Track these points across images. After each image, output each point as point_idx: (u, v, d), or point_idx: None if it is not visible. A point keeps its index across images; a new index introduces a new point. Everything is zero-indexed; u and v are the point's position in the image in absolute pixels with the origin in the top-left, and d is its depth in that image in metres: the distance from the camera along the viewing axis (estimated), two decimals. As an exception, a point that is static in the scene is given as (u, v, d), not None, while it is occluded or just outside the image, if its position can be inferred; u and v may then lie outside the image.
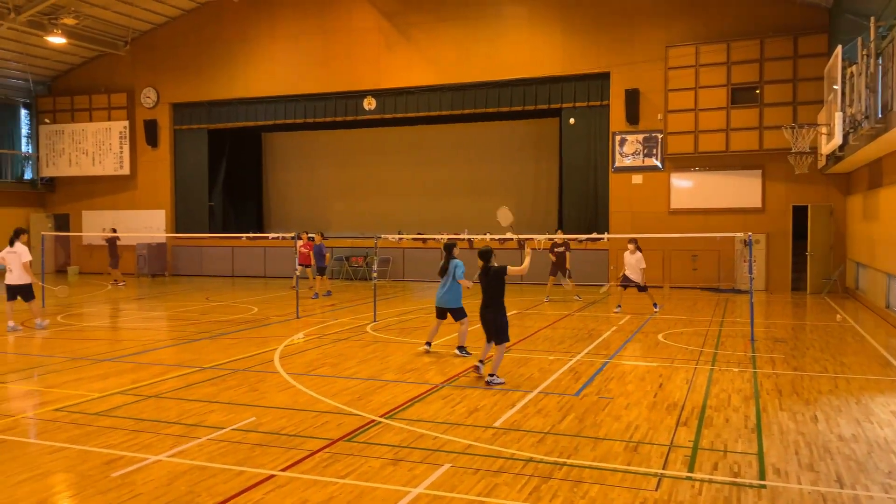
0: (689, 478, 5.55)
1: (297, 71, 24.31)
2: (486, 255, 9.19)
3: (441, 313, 10.50)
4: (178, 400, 7.97)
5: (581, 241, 20.69)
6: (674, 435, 6.63)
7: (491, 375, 8.69)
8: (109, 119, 26.68)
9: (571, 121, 21.57)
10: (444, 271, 10.35)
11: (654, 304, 15.37)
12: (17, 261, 13.15)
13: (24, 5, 21.81)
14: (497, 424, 6.92)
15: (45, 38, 23.26)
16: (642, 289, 15.23)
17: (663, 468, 5.75)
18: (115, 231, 23.27)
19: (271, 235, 23.39)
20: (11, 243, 13.26)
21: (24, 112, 28.67)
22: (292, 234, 18.69)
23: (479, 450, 6.17)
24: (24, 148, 28.65)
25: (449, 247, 10.53)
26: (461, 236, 21.98)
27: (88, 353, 11.02)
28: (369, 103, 23.72)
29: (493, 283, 8.95)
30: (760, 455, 6.09)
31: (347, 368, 9.63)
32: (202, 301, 18.24)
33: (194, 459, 5.94)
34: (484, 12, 22.28)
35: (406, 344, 11.43)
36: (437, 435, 6.59)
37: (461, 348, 10.38)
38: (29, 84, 27.53)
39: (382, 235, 16.19)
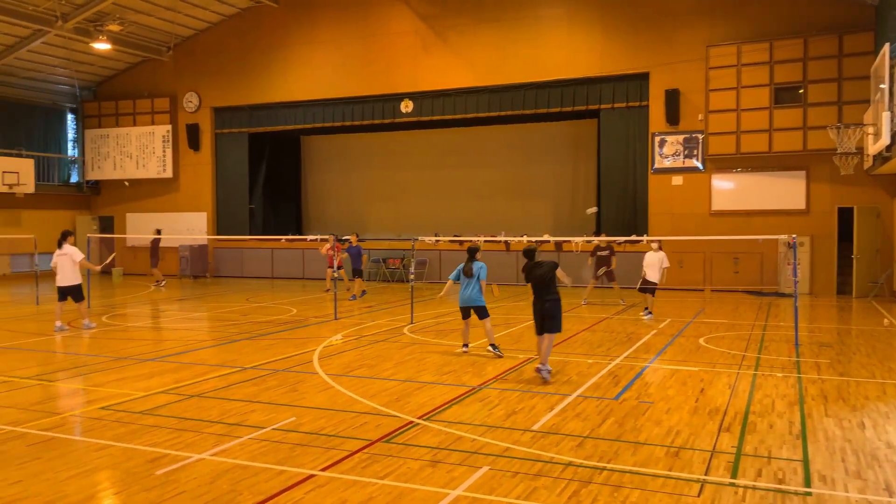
0: (732, 484, 5.46)
1: (335, 75, 24.53)
2: (529, 253, 9.43)
3: (466, 312, 10.70)
4: (220, 399, 8.09)
5: (619, 244, 20.48)
6: (716, 440, 6.52)
7: (542, 364, 8.82)
8: (153, 123, 27.23)
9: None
10: (468, 273, 10.53)
11: (649, 311, 14.72)
12: (68, 262, 13.47)
13: (71, 13, 22.39)
14: (535, 427, 6.89)
15: (90, 44, 23.85)
16: (652, 291, 14.63)
17: (706, 474, 5.66)
18: (159, 232, 23.74)
19: (309, 237, 23.55)
20: (59, 245, 13.59)
21: (70, 117, 29.42)
22: (323, 236, 18.89)
23: (518, 453, 6.15)
24: (70, 152, 29.40)
25: (472, 251, 10.71)
26: (498, 238, 21.95)
27: (133, 352, 11.26)
28: (406, 106, 23.82)
29: (547, 275, 9.05)
30: (806, 462, 5.96)
31: (385, 370, 9.68)
32: (243, 302, 18.50)
33: (236, 458, 6.03)
34: (522, 14, 22.22)
35: (443, 346, 11.44)
36: (475, 437, 6.58)
37: (494, 346, 10.48)
38: (75, 89, 28.25)
39: (419, 237, 16.25)
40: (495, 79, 22.55)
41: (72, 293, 13.51)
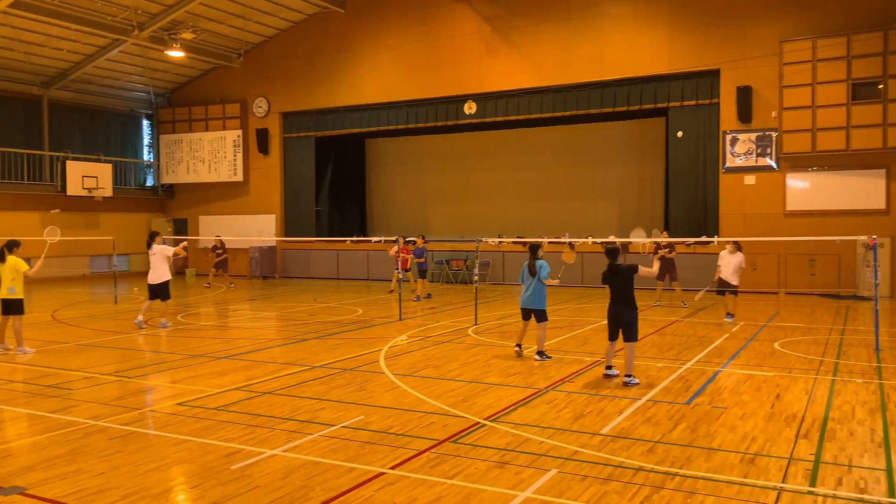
0: (810, 492, 5.27)
1: (399, 78, 24.75)
2: (613, 253, 9.15)
3: (526, 314, 10.54)
4: (291, 397, 8.25)
5: (689, 245, 20.03)
6: (793, 448, 6.30)
7: (628, 376, 8.68)
8: (224, 128, 28.01)
9: (679, 134, 20.85)
10: (531, 271, 10.31)
11: (730, 314, 14.30)
12: (160, 259, 13.94)
13: (147, 22, 23.24)
14: (605, 431, 6.79)
15: (165, 52, 24.70)
16: (734, 292, 14.26)
17: (783, 482, 5.48)
18: (218, 237, 24.31)
19: (374, 239, 23.84)
20: (149, 246, 14.11)
21: (145, 123, 30.54)
22: (393, 238, 19.04)
23: (587, 456, 6.08)
24: (145, 157, 30.50)
25: (534, 248, 10.49)
26: (563, 240, 21.74)
27: (206, 350, 11.60)
28: (470, 107, 23.85)
29: (624, 281, 8.89)
30: (889, 471, 5.71)
31: (451, 370, 9.70)
32: (310, 302, 18.84)
33: (308, 454, 6.14)
34: (587, 13, 21.98)
35: (508, 348, 11.39)
36: (542, 440, 6.53)
37: (541, 353, 10.26)
38: (150, 96, 29.31)
39: (483, 239, 16.23)
40: (559, 78, 22.37)
41: (160, 291, 13.97)
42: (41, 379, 9.46)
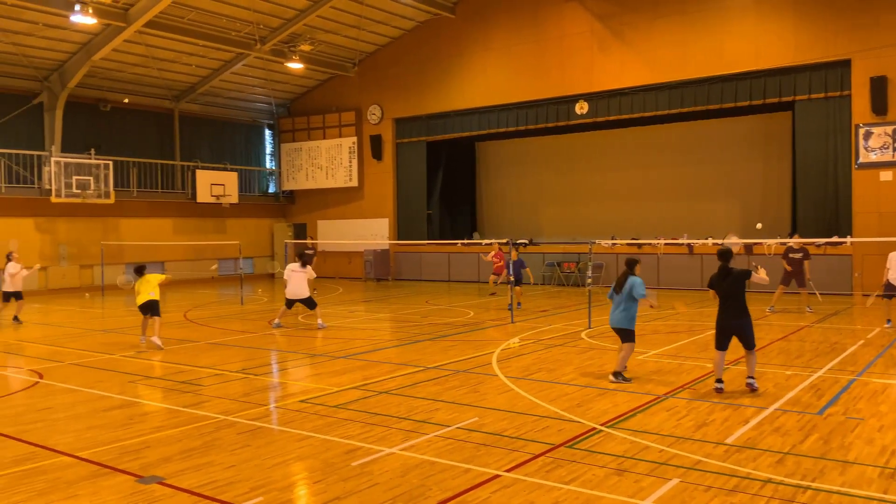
0: (965, 515, 4.84)
1: (509, 80, 24.73)
2: (725, 255, 8.58)
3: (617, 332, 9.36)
4: (406, 397, 8.40)
5: (819, 246, 18.90)
6: (943, 465, 5.82)
7: (751, 378, 8.40)
8: (340, 136, 28.93)
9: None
10: (619, 287, 9.15)
11: (890, 320, 13.23)
12: (302, 278, 14.57)
13: (268, 36, 24.35)
14: (729, 441, 6.50)
15: (285, 64, 25.80)
16: None
17: (932, 502, 5.07)
18: (312, 238, 25.02)
19: (484, 242, 23.90)
20: (303, 266, 14.72)
21: (267, 132, 32.00)
22: (488, 242, 19.00)
23: (711, 466, 5.84)
24: (267, 164, 31.94)
25: (631, 263, 9.30)
26: (680, 241, 21.04)
27: (325, 350, 12.00)
28: (581, 107, 23.51)
29: (735, 285, 8.37)
30: None
31: (564, 374, 9.58)
32: (422, 304, 19.12)
33: (424, 454, 6.23)
34: (705, 4, 21.17)
35: (624, 352, 11.12)
36: (662, 448, 6.33)
37: (617, 374, 9.04)
38: (272, 107, 30.68)
39: (596, 241, 15.94)
40: (675, 74, 21.65)
41: (305, 303, 14.61)
42: (176, 375, 10.09)
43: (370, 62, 28.01)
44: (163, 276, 13.32)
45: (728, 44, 20.81)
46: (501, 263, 19.35)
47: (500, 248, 19.80)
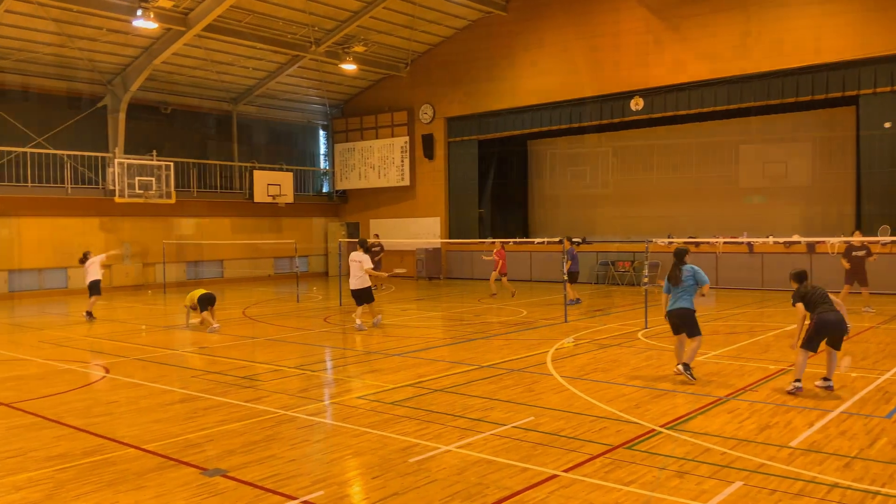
0: None
1: (562, 77, 24.53)
2: (680, 254, 8.93)
3: (675, 327, 9.23)
4: (461, 395, 8.42)
5: (884, 245, 18.24)
6: None
7: (827, 379, 8.30)
8: (392, 136, 29.14)
9: (887, 125, 19.02)
10: (676, 279, 8.99)
11: None
12: (356, 268, 14.48)
13: (323, 38, 24.68)
14: (793, 444, 6.34)
15: (339, 65, 26.11)
16: None
17: None
18: (377, 236, 25.15)
19: (536, 240, 23.76)
20: (366, 251, 14.83)
21: (321, 133, 32.43)
22: (558, 239, 18.85)
23: (775, 469, 5.70)
24: (322, 165, 32.37)
25: (680, 253, 9.10)
26: (740, 239, 20.57)
27: (380, 348, 12.11)
28: (636, 104, 23.17)
29: (819, 291, 8.33)
30: None
31: (621, 375, 9.47)
32: (474, 303, 19.13)
33: (480, 452, 6.23)
34: (764, -2, 20.66)
35: (682, 352, 10.93)
36: (724, 450, 6.20)
37: (686, 366, 8.91)
38: (325, 108, 31.08)
39: (652, 240, 15.70)
40: (735, 69, 21.15)
41: (362, 295, 14.43)
42: (236, 371, 10.31)
43: (422, 62, 28.13)
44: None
45: (789, 37, 20.24)
46: (501, 262, 19.44)
47: (502, 247, 19.85)
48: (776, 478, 5.51)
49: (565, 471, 5.74)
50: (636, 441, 6.50)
